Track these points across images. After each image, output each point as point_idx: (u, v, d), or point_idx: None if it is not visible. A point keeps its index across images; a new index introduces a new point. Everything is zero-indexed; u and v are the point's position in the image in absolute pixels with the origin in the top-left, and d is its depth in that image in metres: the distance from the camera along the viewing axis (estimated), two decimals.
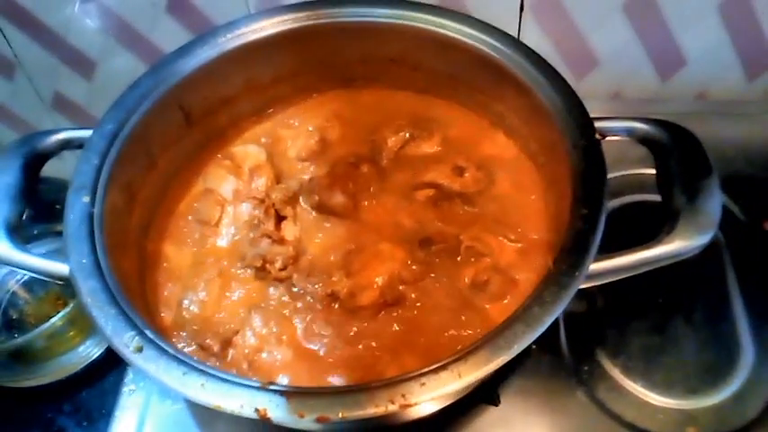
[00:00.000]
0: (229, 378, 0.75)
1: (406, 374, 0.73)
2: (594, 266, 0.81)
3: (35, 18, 1.36)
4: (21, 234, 0.92)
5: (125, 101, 1.00)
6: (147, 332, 0.79)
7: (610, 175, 1.17)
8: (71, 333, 1.15)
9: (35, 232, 1.28)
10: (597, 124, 0.92)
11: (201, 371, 0.75)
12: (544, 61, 1.00)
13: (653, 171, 0.93)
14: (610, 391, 0.99)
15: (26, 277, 1.29)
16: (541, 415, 0.98)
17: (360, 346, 0.93)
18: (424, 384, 0.72)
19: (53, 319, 1.11)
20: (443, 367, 0.73)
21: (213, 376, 0.75)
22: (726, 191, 1.15)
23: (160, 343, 0.78)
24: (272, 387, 0.74)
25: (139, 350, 0.77)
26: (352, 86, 1.22)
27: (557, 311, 0.76)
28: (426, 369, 0.73)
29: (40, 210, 1.29)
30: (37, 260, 0.89)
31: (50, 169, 1.07)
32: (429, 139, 1.13)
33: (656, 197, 0.91)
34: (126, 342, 0.78)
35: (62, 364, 1.17)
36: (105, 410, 1.05)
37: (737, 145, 1.25)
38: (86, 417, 1.15)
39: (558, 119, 0.94)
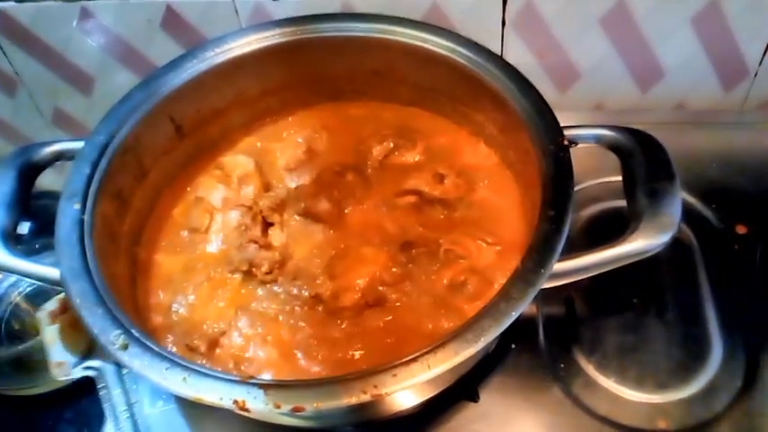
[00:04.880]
0: (210, 372, 0.77)
1: (378, 366, 0.76)
2: (561, 265, 0.84)
3: (35, 36, 1.39)
4: (14, 241, 0.95)
5: (117, 113, 1.03)
6: (133, 331, 0.81)
7: (590, 182, 1.23)
8: None
9: (37, 246, 1.29)
10: (567, 132, 0.95)
11: (184, 366, 0.78)
12: (518, 73, 1.03)
13: None
14: (585, 387, 1.01)
15: (28, 289, 1.30)
16: (519, 410, 1.00)
17: (342, 346, 0.95)
18: (395, 375, 0.75)
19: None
20: (414, 359, 0.76)
21: (195, 371, 0.77)
22: (701, 196, 1.19)
23: (145, 341, 0.81)
24: (250, 380, 0.77)
25: (125, 347, 0.80)
26: (340, 100, 1.24)
27: (522, 307, 0.79)
28: (398, 361, 0.76)
29: (42, 223, 1.32)
30: (30, 265, 0.92)
31: (53, 183, 1.10)
32: (412, 148, 1.16)
33: None
34: (112, 340, 0.80)
35: None
36: (104, 417, 1.07)
37: (714, 152, 1.27)
38: (86, 424, 1.16)
39: (530, 127, 0.97)
